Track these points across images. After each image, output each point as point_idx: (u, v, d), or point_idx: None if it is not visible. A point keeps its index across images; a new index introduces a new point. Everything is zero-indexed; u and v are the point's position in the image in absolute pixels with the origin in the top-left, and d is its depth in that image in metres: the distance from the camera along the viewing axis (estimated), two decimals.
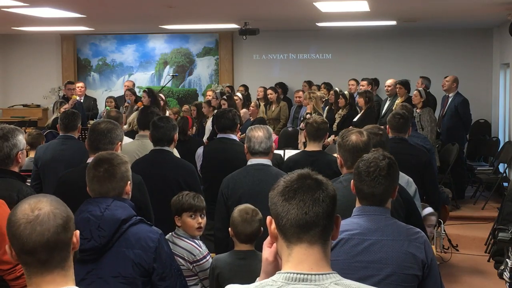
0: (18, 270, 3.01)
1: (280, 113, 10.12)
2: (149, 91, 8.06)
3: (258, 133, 3.84)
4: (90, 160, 3.37)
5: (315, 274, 1.56)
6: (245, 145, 3.91)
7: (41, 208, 1.73)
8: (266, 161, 3.86)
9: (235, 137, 4.86)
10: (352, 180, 2.65)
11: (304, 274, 1.56)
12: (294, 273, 1.57)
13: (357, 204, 2.63)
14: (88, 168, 2.83)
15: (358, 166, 2.63)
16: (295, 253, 1.60)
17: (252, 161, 3.87)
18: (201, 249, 3.54)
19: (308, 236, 1.59)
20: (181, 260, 3.47)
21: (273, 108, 10.28)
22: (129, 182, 2.83)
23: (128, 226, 2.67)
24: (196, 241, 3.58)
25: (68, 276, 1.73)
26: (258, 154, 3.85)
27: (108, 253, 2.65)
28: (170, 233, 3.60)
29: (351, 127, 6.10)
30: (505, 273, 4.44)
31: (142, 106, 6.98)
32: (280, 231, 1.63)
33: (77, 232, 1.79)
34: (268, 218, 1.67)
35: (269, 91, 10.34)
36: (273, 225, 1.65)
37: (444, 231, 6.51)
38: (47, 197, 1.79)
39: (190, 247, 3.51)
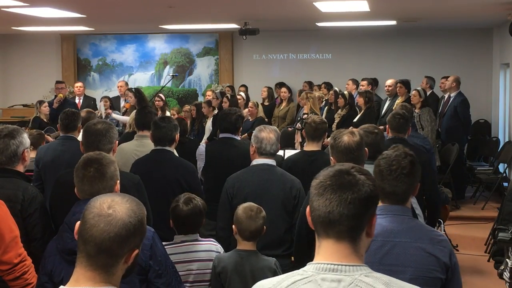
0: (18, 271, 3.01)
1: (288, 113, 10.14)
2: (136, 91, 7.86)
3: (270, 135, 3.87)
4: None
5: (345, 265, 1.58)
6: (253, 145, 3.90)
7: (118, 211, 1.71)
8: (271, 161, 3.89)
9: (237, 136, 4.87)
10: None
11: (335, 264, 1.58)
12: (324, 263, 1.59)
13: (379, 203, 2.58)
14: (77, 168, 2.77)
15: (379, 164, 2.52)
16: (323, 246, 1.63)
17: (258, 161, 3.88)
18: (216, 243, 3.53)
19: (334, 232, 1.61)
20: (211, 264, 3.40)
21: (281, 107, 10.30)
22: (118, 181, 2.81)
23: None
24: (205, 238, 3.55)
25: (110, 281, 1.71)
26: (266, 155, 3.87)
27: None
28: (175, 245, 3.43)
29: (345, 128, 6.08)
30: (505, 273, 4.43)
31: (138, 107, 6.84)
32: (313, 223, 1.66)
33: (136, 251, 1.75)
34: (308, 208, 1.69)
35: (283, 89, 10.38)
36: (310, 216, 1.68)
37: (444, 231, 6.50)
38: (133, 204, 1.76)
39: (214, 246, 3.48)
